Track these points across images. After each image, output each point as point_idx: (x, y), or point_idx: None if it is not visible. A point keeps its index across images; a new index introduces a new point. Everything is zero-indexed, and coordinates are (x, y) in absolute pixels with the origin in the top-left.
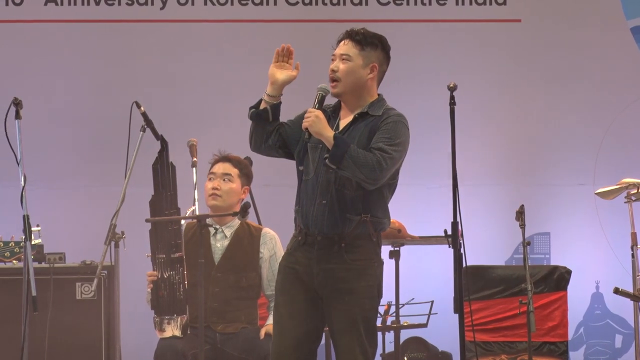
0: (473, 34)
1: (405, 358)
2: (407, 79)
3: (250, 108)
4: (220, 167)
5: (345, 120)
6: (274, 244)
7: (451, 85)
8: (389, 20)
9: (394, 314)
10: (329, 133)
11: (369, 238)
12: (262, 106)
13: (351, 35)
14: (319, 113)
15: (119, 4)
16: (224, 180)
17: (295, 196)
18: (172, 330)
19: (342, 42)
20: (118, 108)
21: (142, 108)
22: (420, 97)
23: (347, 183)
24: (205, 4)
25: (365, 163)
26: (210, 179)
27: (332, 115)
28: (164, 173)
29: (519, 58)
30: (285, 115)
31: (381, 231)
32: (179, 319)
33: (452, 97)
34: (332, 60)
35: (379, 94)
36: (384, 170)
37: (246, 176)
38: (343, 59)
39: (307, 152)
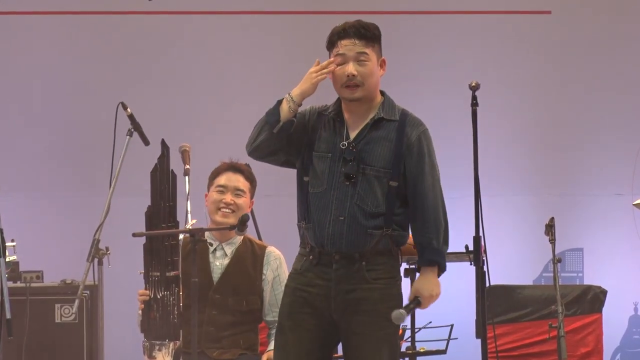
0: (497, 27)
1: None
2: (424, 78)
3: (271, 114)
4: (232, 180)
5: (355, 127)
6: (278, 264)
7: (473, 84)
8: (403, 12)
9: (409, 339)
10: (435, 279)
11: (389, 254)
12: (287, 115)
13: (359, 32)
14: (432, 291)
15: None
16: (235, 195)
17: (296, 208)
18: (163, 357)
19: (348, 40)
20: (102, 110)
21: (128, 110)
22: (439, 97)
23: (368, 198)
24: None
25: (442, 225)
26: (219, 192)
27: (336, 119)
28: (163, 182)
29: (548, 54)
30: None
31: (401, 246)
32: (171, 345)
33: (474, 98)
34: (340, 63)
35: (382, 92)
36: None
37: (254, 189)
38: (360, 61)
39: (312, 162)
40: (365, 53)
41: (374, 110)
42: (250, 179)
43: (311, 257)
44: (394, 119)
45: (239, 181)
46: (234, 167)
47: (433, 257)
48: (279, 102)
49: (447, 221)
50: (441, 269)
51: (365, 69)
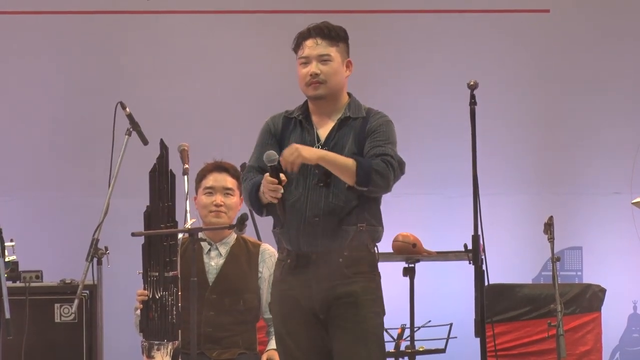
0: (495, 26)
1: None
2: (423, 77)
3: (255, 204)
4: (219, 180)
5: (324, 128)
6: (274, 261)
7: (472, 83)
8: (401, 10)
9: (409, 338)
10: (342, 158)
11: (367, 249)
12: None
13: (322, 33)
14: (298, 147)
15: None
16: (225, 195)
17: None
18: (162, 357)
19: (311, 41)
20: (101, 109)
21: (127, 109)
22: (437, 96)
23: (341, 195)
24: None
25: (385, 173)
26: (207, 194)
27: (304, 121)
28: (162, 182)
29: (547, 53)
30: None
31: (378, 241)
32: (170, 345)
33: (472, 97)
34: (303, 63)
35: (348, 93)
36: (399, 176)
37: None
38: (323, 60)
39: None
40: (328, 53)
41: (341, 111)
42: (237, 175)
43: (289, 260)
44: (361, 116)
45: (226, 180)
46: (219, 167)
47: (365, 167)
48: (257, 189)
49: (391, 178)
50: (360, 177)
51: (328, 67)
